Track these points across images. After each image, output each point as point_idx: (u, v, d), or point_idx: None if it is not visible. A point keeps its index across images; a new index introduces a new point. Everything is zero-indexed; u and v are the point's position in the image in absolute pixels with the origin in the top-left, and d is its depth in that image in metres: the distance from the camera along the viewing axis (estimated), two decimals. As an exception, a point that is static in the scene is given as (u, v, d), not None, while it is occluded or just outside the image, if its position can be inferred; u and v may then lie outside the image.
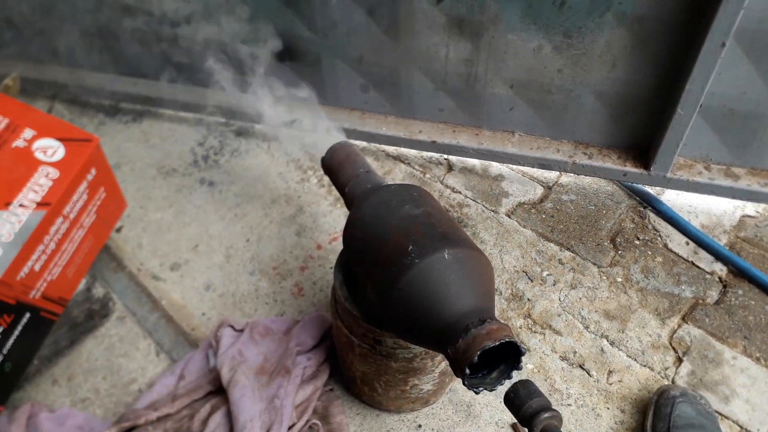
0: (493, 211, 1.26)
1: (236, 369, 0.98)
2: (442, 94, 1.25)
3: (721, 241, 1.18)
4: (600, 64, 1.10)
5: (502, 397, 0.66)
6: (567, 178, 1.31)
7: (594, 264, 1.16)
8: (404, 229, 0.72)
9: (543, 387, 1.00)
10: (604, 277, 1.14)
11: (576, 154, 1.22)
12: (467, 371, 0.60)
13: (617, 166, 1.20)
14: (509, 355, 0.62)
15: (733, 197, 1.17)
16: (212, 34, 1.25)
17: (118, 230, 1.28)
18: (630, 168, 1.19)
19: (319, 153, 0.98)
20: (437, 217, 0.74)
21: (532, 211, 1.26)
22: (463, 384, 0.62)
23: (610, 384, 1.01)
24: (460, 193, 1.30)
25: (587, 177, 1.28)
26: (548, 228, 1.23)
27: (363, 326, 0.81)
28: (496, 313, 1.06)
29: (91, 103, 1.55)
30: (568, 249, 1.19)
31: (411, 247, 0.68)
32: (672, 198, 1.25)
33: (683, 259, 1.17)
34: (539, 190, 1.30)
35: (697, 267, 1.15)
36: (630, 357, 1.04)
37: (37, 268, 1.03)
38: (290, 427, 0.93)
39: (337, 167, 0.94)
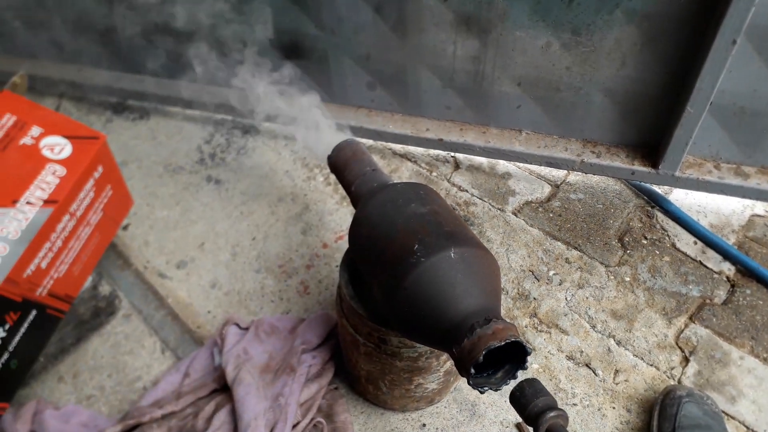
0: (499, 209, 1.26)
1: (241, 367, 0.98)
2: (450, 92, 1.24)
3: (730, 241, 1.17)
4: (609, 62, 1.09)
5: (507, 396, 0.66)
6: (575, 177, 1.31)
7: (601, 263, 1.16)
8: (410, 227, 0.71)
9: (548, 386, 1.00)
10: (612, 277, 1.13)
11: (584, 152, 1.21)
12: (472, 371, 0.60)
13: (625, 164, 1.19)
14: (515, 354, 0.62)
15: (743, 196, 1.16)
16: (216, 31, 1.25)
17: (125, 228, 1.28)
18: (638, 167, 1.18)
19: (320, 154, 0.98)
20: (444, 216, 0.74)
21: (540, 209, 1.25)
22: (468, 383, 0.62)
23: (616, 384, 1.00)
24: (466, 191, 1.30)
25: (595, 176, 1.27)
26: (555, 227, 1.22)
27: (368, 325, 0.80)
28: (502, 312, 1.06)
29: (99, 101, 1.56)
30: (575, 248, 1.18)
31: (417, 246, 0.68)
32: (680, 197, 1.24)
33: (691, 258, 1.16)
34: (547, 189, 1.29)
35: (705, 266, 1.14)
36: (636, 356, 1.03)
37: (43, 265, 1.03)
38: (294, 425, 0.93)
39: (343, 165, 0.94)
